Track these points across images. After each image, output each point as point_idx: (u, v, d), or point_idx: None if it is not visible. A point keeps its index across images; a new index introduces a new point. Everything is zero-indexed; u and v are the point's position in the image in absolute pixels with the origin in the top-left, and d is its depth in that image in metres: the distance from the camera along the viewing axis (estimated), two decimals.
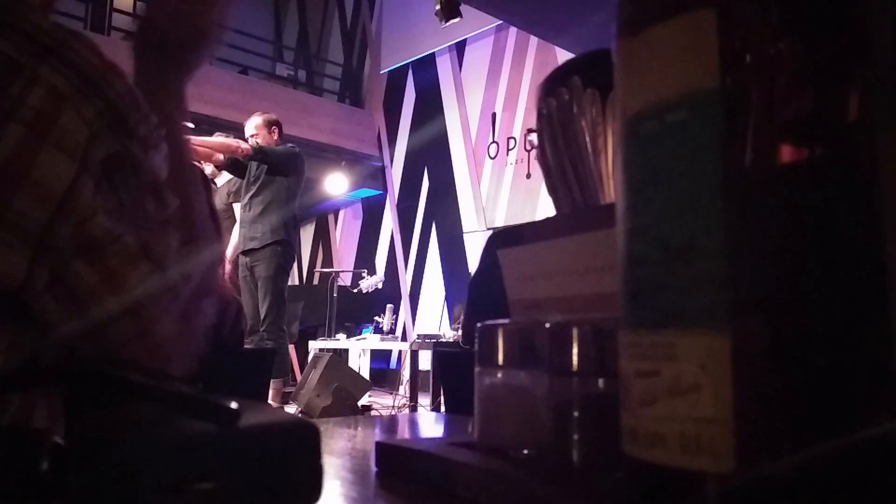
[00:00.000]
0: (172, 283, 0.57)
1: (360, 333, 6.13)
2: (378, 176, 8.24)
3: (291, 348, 6.10)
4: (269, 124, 4.58)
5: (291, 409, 4.22)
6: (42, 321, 0.52)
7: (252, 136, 4.51)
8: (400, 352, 6.31)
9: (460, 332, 4.17)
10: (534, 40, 6.30)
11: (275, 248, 4.40)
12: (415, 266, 7.68)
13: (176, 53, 0.67)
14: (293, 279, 9.19)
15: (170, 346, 0.57)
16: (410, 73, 8.01)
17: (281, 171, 4.44)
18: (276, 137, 4.55)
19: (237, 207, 4.59)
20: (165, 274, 0.56)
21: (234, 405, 0.29)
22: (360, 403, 4.66)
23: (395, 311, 6.70)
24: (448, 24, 4.31)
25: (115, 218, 0.53)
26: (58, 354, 0.53)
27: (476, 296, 2.30)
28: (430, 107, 7.72)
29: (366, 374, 5.46)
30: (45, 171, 0.49)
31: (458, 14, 4.19)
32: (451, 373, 3.32)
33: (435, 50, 7.58)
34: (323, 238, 9.06)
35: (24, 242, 0.49)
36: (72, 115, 0.50)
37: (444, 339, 4.68)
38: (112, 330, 0.54)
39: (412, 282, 7.67)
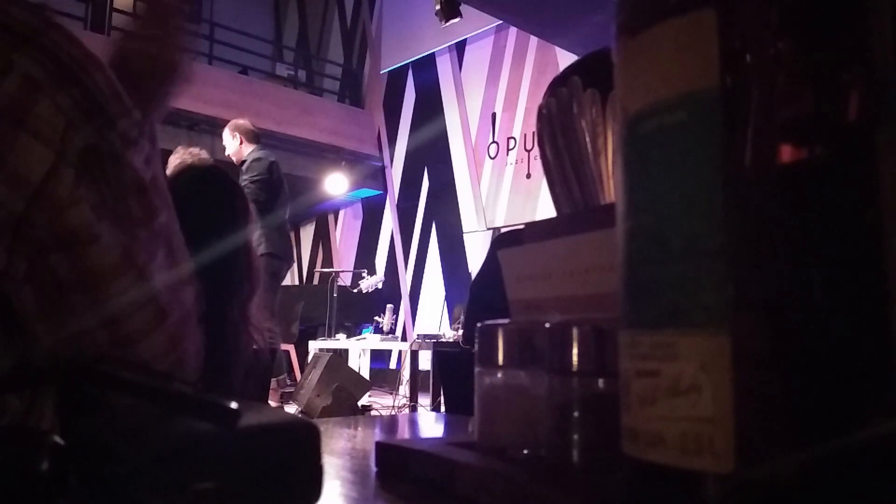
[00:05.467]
0: (157, 296, 0.54)
1: (360, 333, 6.13)
2: (378, 176, 8.24)
3: (291, 348, 6.10)
4: (234, 129, 4.22)
5: (291, 409, 4.22)
6: (21, 316, 0.51)
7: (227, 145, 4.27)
8: (400, 352, 6.31)
9: (460, 332, 4.17)
10: (534, 40, 6.31)
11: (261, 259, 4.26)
12: (415, 266, 7.69)
13: (146, 89, 0.67)
14: (293, 279, 9.20)
15: (156, 365, 0.54)
16: (410, 73, 8.02)
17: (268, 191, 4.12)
18: (240, 144, 4.20)
19: None
20: (150, 286, 0.53)
21: (234, 405, 0.29)
22: (360, 403, 4.67)
23: (395, 311, 6.70)
24: (448, 24, 4.31)
25: (98, 214, 0.51)
26: (52, 354, 0.52)
27: (478, 296, 2.31)
28: (430, 107, 7.72)
29: (366, 374, 5.46)
30: (20, 159, 0.48)
31: (458, 14, 4.20)
32: (451, 373, 3.33)
33: (435, 50, 7.59)
34: (323, 238, 9.06)
35: (1, 232, 0.48)
36: (47, 103, 0.50)
37: (444, 339, 4.68)
38: (88, 336, 0.51)
39: (412, 282, 7.68)
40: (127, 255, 0.52)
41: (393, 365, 6.92)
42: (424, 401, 4.68)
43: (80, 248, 0.50)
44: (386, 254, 8.09)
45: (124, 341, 0.52)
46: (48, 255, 0.50)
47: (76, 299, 0.51)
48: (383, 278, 6.66)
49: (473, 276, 3.59)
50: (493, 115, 7.08)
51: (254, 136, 4.32)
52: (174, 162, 2.87)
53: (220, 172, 1.60)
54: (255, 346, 1.26)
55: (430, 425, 0.97)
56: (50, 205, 0.49)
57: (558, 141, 0.52)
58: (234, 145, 4.28)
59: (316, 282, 8.30)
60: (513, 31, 6.63)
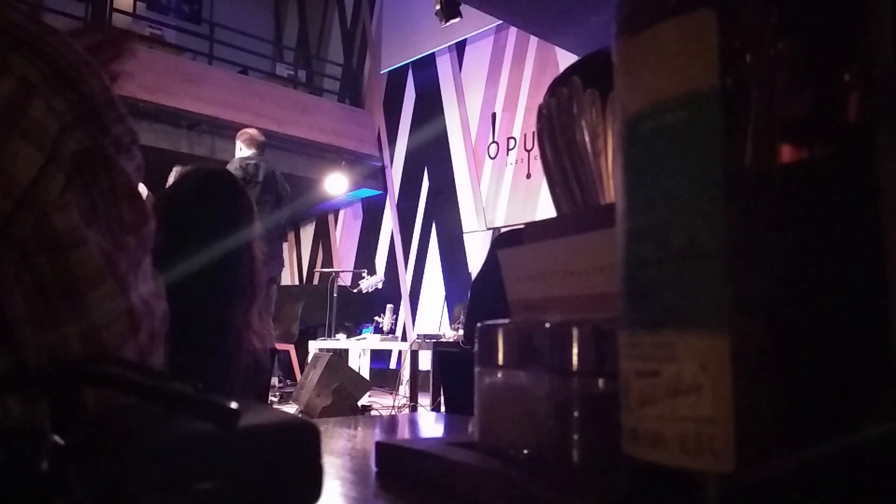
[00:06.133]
0: (132, 307, 0.54)
1: (360, 333, 6.13)
2: (378, 176, 8.24)
3: (291, 348, 6.10)
4: (238, 136, 4.64)
5: (291, 409, 4.22)
6: (11, 320, 0.51)
7: None
8: (400, 352, 6.31)
9: (461, 332, 4.17)
10: (534, 40, 6.31)
11: None
12: (415, 266, 7.69)
13: None
14: (294, 279, 9.20)
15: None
16: (410, 73, 8.02)
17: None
18: (239, 150, 4.60)
19: None
20: (127, 297, 0.53)
21: (234, 405, 0.29)
22: (360, 403, 4.67)
23: (395, 311, 6.70)
24: (448, 24, 4.31)
25: (87, 220, 0.51)
26: (37, 360, 0.52)
27: (479, 296, 2.31)
28: (430, 107, 7.72)
29: (366, 374, 5.46)
30: (10, 160, 0.48)
31: (458, 14, 4.20)
32: (451, 373, 3.32)
33: (435, 50, 7.59)
34: (323, 238, 9.06)
35: None
36: (41, 105, 0.49)
37: (444, 339, 4.68)
38: (65, 344, 0.51)
39: (412, 282, 7.68)
40: (108, 263, 0.52)
41: (393, 365, 6.92)
42: (424, 401, 4.68)
43: (63, 252, 0.50)
44: (386, 254, 8.09)
45: (98, 351, 0.52)
46: (34, 257, 0.50)
47: (58, 306, 0.51)
48: (383, 278, 6.66)
49: (473, 276, 3.60)
50: (493, 115, 7.08)
51: (253, 143, 4.62)
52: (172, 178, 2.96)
53: (224, 173, 1.61)
54: (254, 349, 1.28)
55: (430, 425, 0.97)
56: (38, 207, 0.49)
57: (558, 141, 0.52)
58: (236, 151, 4.62)
59: (316, 282, 8.30)
60: (513, 31, 6.63)
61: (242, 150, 4.56)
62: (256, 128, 4.75)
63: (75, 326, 0.51)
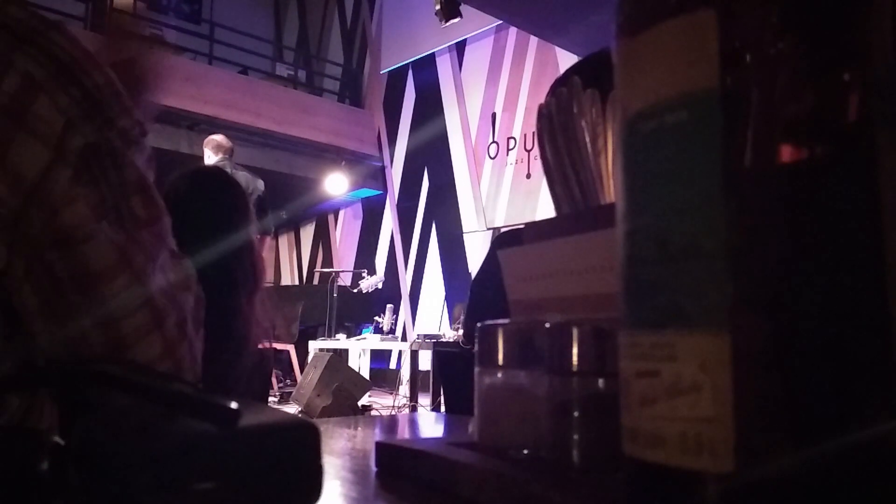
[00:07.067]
0: (153, 299, 0.54)
1: (360, 333, 6.13)
2: (378, 176, 8.24)
3: (291, 348, 6.11)
4: (205, 143, 4.61)
5: (291, 409, 4.22)
6: (23, 315, 0.51)
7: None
8: (400, 352, 6.31)
9: (461, 332, 4.17)
10: (534, 40, 6.31)
11: None
12: (415, 266, 7.69)
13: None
14: (294, 279, 9.20)
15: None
16: (410, 73, 8.02)
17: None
18: (206, 158, 4.54)
19: None
20: (146, 289, 0.53)
21: (234, 405, 0.29)
22: (360, 403, 4.67)
23: (395, 311, 6.70)
24: (448, 24, 4.31)
25: (98, 214, 0.51)
26: (49, 355, 0.52)
27: (478, 296, 2.31)
28: (430, 107, 7.72)
29: (366, 374, 5.46)
30: (18, 157, 0.48)
31: (458, 14, 4.20)
32: (451, 373, 3.33)
33: (435, 50, 7.59)
34: (323, 238, 9.06)
35: (1, 228, 0.48)
36: (46, 102, 0.50)
37: (444, 339, 4.68)
38: (82, 337, 0.51)
39: (412, 282, 7.68)
40: (123, 256, 0.52)
41: (393, 365, 6.92)
42: (424, 401, 4.68)
43: (74, 247, 0.50)
44: (386, 254, 8.09)
45: (118, 344, 0.52)
46: (45, 253, 0.50)
47: (73, 299, 0.51)
48: (383, 278, 6.66)
49: (473, 276, 3.60)
50: (493, 115, 7.08)
51: (220, 149, 4.58)
52: None
53: (221, 172, 1.63)
54: (260, 344, 1.31)
55: (430, 425, 0.97)
56: (46, 203, 0.49)
57: (558, 141, 0.52)
58: (205, 159, 4.58)
59: (316, 282, 8.30)
60: (513, 31, 6.63)
61: (210, 158, 4.48)
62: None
63: (92, 319, 0.51)
